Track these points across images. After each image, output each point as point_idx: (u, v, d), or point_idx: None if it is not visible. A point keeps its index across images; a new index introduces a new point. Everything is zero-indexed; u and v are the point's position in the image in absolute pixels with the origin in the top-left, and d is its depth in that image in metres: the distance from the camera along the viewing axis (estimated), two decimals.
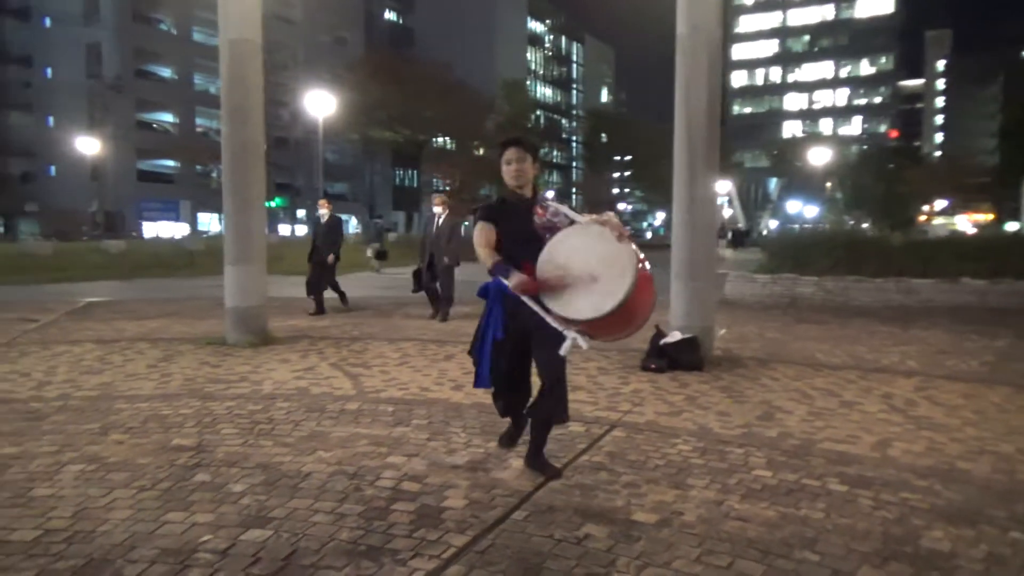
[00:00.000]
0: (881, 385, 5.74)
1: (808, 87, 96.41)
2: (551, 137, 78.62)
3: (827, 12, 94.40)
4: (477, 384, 3.47)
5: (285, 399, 5.10)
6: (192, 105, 51.63)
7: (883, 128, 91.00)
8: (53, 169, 52.32)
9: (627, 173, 75.28)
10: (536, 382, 3.42)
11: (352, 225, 61.96)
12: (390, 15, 79.12)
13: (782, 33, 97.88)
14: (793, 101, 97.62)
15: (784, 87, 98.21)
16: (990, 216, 58.10)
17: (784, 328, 9.17)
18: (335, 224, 10.83)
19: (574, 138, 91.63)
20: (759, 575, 2.54)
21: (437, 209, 9.96)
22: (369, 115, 41.42)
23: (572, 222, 3.26)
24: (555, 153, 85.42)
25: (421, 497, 3.23)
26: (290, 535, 2.81)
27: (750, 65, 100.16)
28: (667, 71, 7.04)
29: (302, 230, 52.52)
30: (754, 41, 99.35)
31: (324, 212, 10.80)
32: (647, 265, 3.07)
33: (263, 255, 7.90)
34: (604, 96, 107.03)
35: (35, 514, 2.99)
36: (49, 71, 52.47)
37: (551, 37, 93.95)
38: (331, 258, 10.37)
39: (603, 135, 72.79)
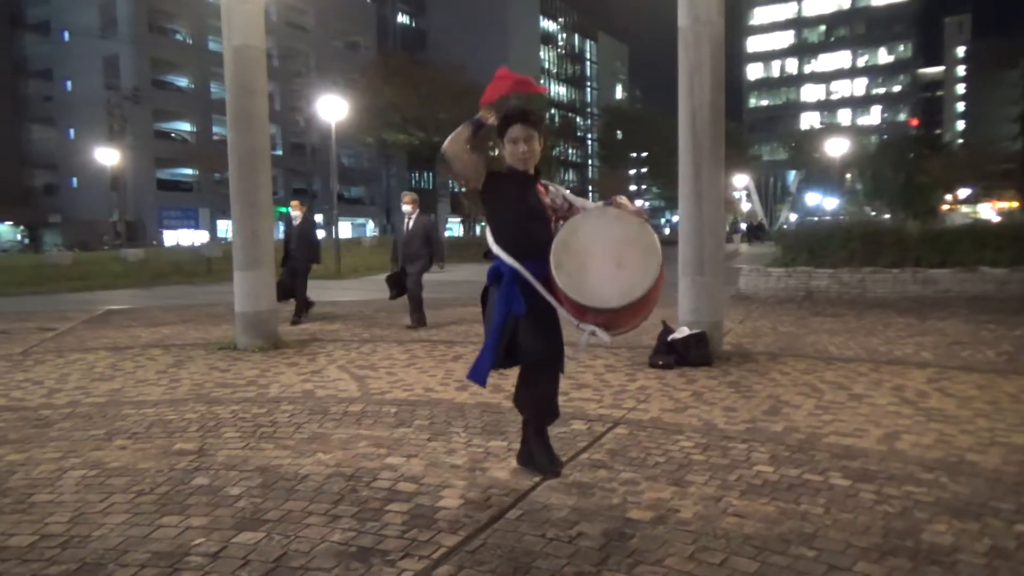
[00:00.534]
0: (893, 377, 5.64)
1: (825, 78, 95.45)
2: (566, 135, 78.50)
3: (843, 1, 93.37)
4: (473, 375, 3.15)
5: (290, 402, 5.12)
6: (209, 113, 52.12)
7: (903, 117, 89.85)
8: (75, 180, 53.09)
9: (644, 170, 74.94)
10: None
11: (369, 229, 62.33)
12: (403, 18, 79.49)
13: (798, 24, 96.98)
14: (810, 92, 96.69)
15: (801, 78, 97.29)
16: (1015, 203, 57.04)
17: (798, 321, 9.06)
18: (308, 228, 10.11)
19: (589, 136, 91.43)
20: (753, 572, 2.50)
21: (407, 208, 9.12)
22: (383, 118, 41.58)
23: (571, 206, 3.20)
24: (571, 151, 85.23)
25: (416, 497, 3.22)
26: (282, 537, 2.81)
27: (766, 57, 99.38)
28: None
29: (319, 235, 52.88)
30: (769, 33, 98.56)
31: (297, 214, 10.04)
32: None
33: (271, 260, 7.95)
34: (619, 93, 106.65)
35: (33, 519, 3.02)
36: (69, 84, 53.26)
37: (564, 36, 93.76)
38: (310, 266, 9.84)
39: (618, 132, 72.55)
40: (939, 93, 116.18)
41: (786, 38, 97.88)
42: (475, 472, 3.55)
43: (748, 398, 5.06)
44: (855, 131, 73.80)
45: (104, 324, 10.20)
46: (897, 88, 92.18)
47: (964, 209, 60.67)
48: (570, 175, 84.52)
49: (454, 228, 63.53)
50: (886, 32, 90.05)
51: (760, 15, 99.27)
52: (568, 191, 3.31)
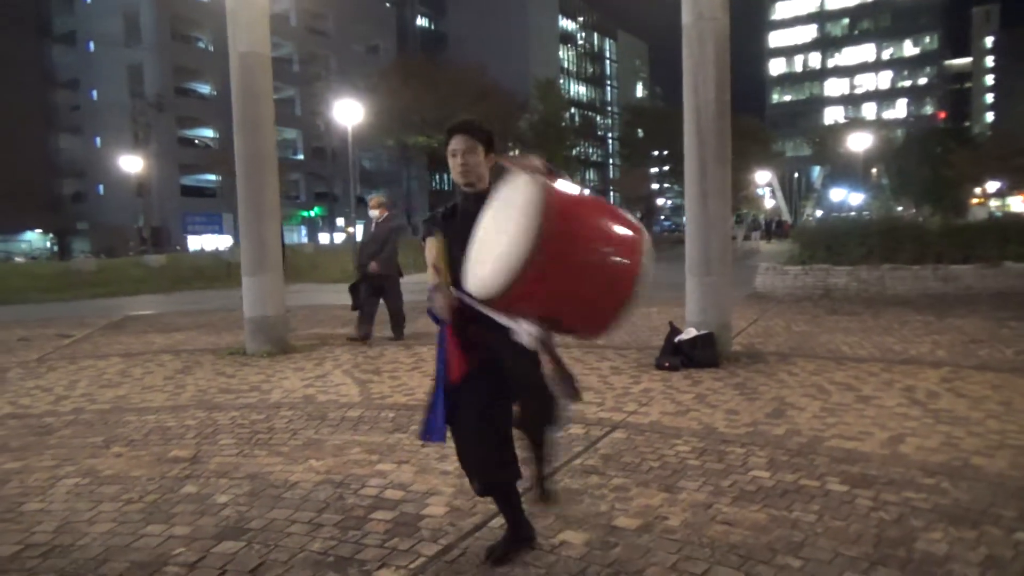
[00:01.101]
0: (904, 377, 5.51)
1: (849, 71, 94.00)
2: (586, 134, 78.22)
3: None
4: (425, 436, 2.55)
5: (290, 407, 5.12)
6: (231, 120, 52.67)
7: (929, 110, 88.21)
8: (102, 188, 53.98)
9: (666, 168, 74.45)
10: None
11: None
12: (422, 21, 79.77)
13: (820, 17, 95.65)
14: (834, 87, 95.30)
15: (824, 73, 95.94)
16: None
17: (813, 320, 8.91)
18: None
19: (610, 135, 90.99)
20: None
21: (373, 213, 8.52)
22: (403, 121, 41.75)
23: None
24: (591, 150, 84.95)
25: (402, 505, 3.19)
26: (262, 546, 2.79)
27: (788, 52, 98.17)
28: None
29: (340, 238, 53.22)
30: (791, 28, 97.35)
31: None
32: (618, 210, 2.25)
33: (279, 265, 7.98)
34: (639, 91, 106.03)
35: (21, 529, 3.04)
36: (95, 93, 54.17)
37: (583, 35, 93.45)
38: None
39: (639, 130, 72.09)
40: (967, 85, 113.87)
41: (809, 32, 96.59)
42: (464, 479, 3.46)
43: (752, 400, 4.96)
44: (880, 125, 72.63)
45: (120, 330, 10.33)
46: (923, 81, 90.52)
47: (994, 203, 59.43)
48: (591, 174, 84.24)
49: None
50: (911, 24, 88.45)
51: (782, 9, 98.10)
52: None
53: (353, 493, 3.34)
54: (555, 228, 1.97)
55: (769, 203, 67.48)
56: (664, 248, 36.62)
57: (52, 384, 6.31)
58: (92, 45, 53.88)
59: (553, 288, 2.03)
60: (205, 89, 55.20)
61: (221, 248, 40.31)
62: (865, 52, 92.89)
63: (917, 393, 5.00)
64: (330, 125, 48.29)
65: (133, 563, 2.68)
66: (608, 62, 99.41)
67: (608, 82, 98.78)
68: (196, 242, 51.84)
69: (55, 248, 54.43)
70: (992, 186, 57.51)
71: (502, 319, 2.27)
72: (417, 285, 8.76)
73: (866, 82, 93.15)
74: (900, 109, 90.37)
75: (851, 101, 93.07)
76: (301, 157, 59.54)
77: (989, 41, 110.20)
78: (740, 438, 4.08)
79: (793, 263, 12.34)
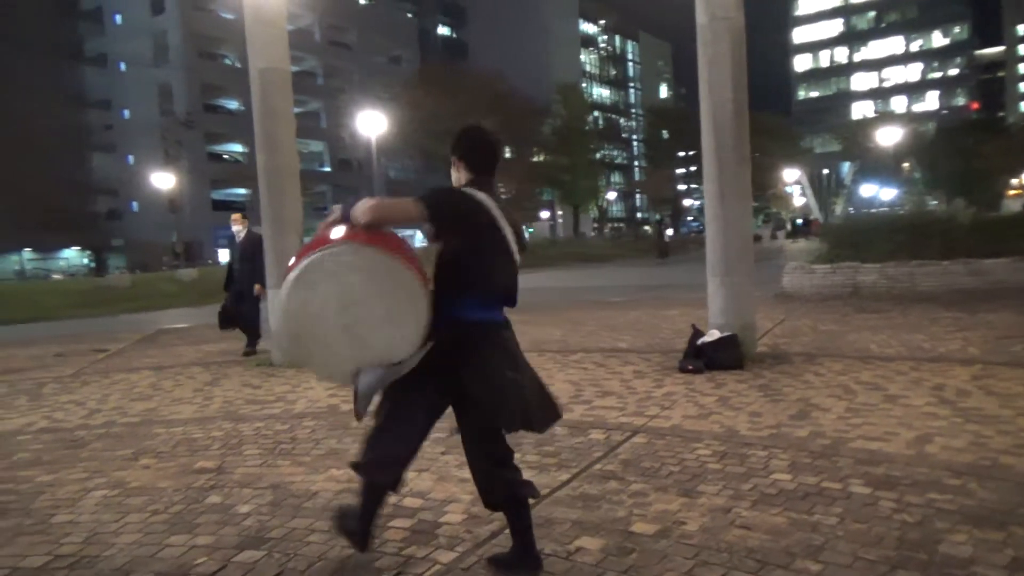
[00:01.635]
0: (933, 376, 5.40)
1: (877, 65, 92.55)
2: (610, 137, 77.99)
3: None
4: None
5: (313, 417, 5.18)
6: None
7: (961, 101, 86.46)
8: (135, 204, 55.19)
9: (692, 168, 73.91)
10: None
11: (417, 239, 62.85)
12: (443, 30, 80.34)
13: (845, 11, 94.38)
14: (862, 81, 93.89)
15: (851, 67, 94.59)
16: None
17: (841, 319, 8.77)
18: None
19: (634, 137, 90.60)
20: None
21: (236, 228, 8.53)
22: (425, 130, 42.04)
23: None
24: (616, 153, 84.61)
25: (420, 513, 3.21)
26: (281, 555, 2.83)
27: (813, 48, 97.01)
28: None
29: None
30: (816, 23, 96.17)
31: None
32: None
33: None
34: (663, 92, 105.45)
35: (50, 540, 3.11)
36: (127, 112, 55.49)
37: (604, 37, 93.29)
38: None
39: (664, 132, 71.66)
40: (1000, 74, 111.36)
41: (834, 27, 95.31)
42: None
43: (776, 402, 4.90)
44: (911, 118, 71.33)
45: (152, 344, 10.54)
46: (954, 72, 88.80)
47: None
48: (616, 177, 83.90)
49: None
50: (940, 14, 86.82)
51: (806, 5, 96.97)
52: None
53: None
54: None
55: (799, 201, 66.61)
56: (691, 249, 36.45)
57: (85, 398, 6.46)
58: (123, 66, 55.18)
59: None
60: (233, 105, 56.17)
61: None
62: (893, 45, 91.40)
63: (946, 391, 4.90)
64: (355, 136, 48.85)
65: (156, 573, 2.73)
66: (631, 64, 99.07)
67: (631, 84, 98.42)
68: (227, 256, 52.65)
69: (92, 265, 55.67)
70: None
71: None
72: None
73: (895, 75, 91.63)
74: (931, 101, 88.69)
75: (880, 95, 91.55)
76: (328, 169, 60.24)
77: (1022, 28, 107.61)
78: (762, 441, 4.03)
79: (821, 261, 12.16)
